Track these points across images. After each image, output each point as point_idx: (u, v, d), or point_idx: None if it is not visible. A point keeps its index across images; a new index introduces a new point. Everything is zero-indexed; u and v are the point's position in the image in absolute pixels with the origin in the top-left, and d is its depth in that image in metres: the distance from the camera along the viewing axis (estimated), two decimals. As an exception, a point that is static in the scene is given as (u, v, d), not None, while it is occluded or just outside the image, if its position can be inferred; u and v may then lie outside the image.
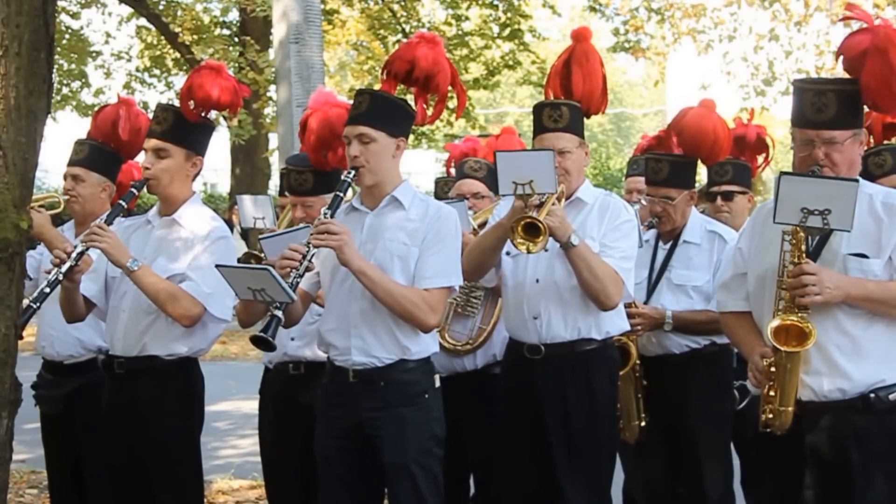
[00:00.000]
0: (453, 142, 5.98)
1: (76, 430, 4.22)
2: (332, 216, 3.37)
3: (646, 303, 4.18)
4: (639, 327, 4.09)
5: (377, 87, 3.72)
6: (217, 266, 3.38)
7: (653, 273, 4.26)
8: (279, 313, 3.24)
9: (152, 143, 3.85)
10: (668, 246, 4.27)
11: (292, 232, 3.75)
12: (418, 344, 3.45)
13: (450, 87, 3.73)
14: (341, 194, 3.43)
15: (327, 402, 3.54)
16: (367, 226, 3.50)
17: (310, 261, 3.31)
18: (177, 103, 4.04)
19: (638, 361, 4.15)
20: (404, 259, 3.43)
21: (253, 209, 4.89)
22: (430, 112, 3.76)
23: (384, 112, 3.47)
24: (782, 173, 2.90)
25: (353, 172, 3.43)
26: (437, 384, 3.55)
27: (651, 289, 4.23)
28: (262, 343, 3.23)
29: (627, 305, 4.06)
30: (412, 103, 3.66)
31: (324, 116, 3.93)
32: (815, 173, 2.96)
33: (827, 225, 2.84)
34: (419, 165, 33.33)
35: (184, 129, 3.87)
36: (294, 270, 3.26)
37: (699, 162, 4.28)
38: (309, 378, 4.01)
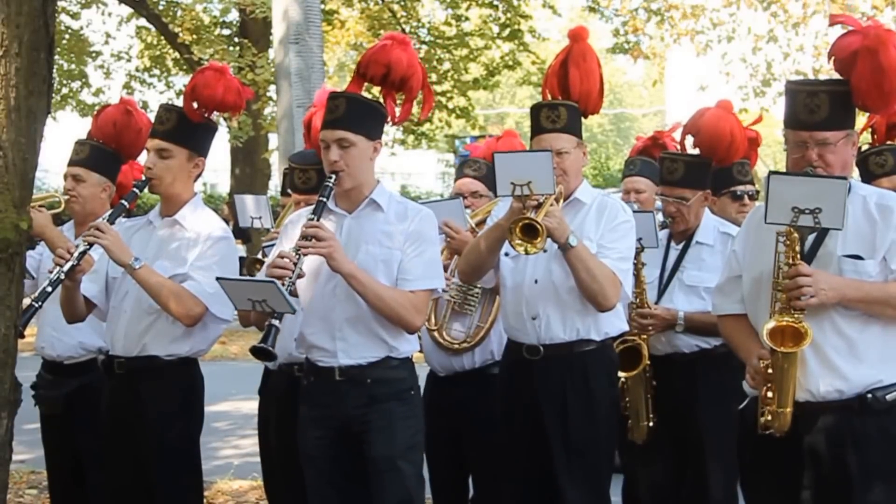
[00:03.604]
0: (474, 142, 5.97)
1: (76, 431, 4.21)
2: (317, 221, 3.38)
3: (657, 303, 4.17)
4: (651, 328, 4.10)
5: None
6: (218, 278, 3.39)
7: (664, 273, 4.25)
8: (277, 323, 3.24)
9: (155, 142, 3.86)
10: (679, 246, 4.26)
11: None
12: (402, 343, 3.48)
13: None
14: (325, 199, 3.44)
15: (310, 402, 3.54)
16: (346, 228, 3.51)
17: (300, 267, 3.31)
18: (177, 103, 4.05)
19: (648, 363, 4.14)
20: (387, 262, 3.44)
21: (253, 208, 4.90)
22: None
23: (362, 115, 3.46)
24: (771, 173, 2.89)
25: (333, 177, 3.44)
26: (420, 387, 3.56)
27: (662, 289, 4.22)
28: (263, 353, 3.23)
29: (640, 306, 4.07)
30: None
31: None
32: (809, 173, 2.96)
33: (818, 224, 2.84)
34: (419, 166, 33.32)
35: (186, 129, 3.88)
36: (287, 279, 3.27)
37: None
38: None
